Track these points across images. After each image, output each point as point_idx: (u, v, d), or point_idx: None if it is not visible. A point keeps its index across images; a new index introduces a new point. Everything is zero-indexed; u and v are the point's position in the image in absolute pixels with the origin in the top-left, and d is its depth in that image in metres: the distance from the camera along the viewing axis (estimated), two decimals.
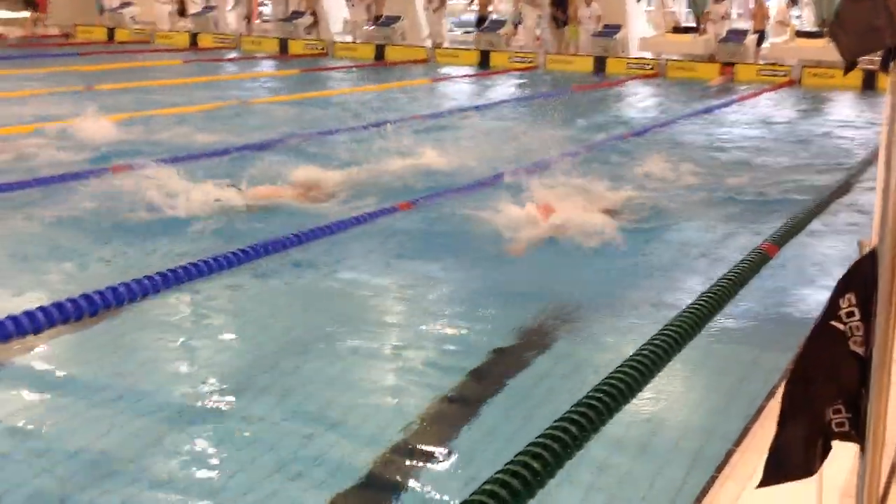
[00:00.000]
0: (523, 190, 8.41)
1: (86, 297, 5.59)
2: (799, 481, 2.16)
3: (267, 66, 23.79)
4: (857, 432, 2.12)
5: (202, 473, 3.99)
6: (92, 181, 8.73)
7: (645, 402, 4.67)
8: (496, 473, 3.52)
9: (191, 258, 6.55)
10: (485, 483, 3.46)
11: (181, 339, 5.58)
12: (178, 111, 14.15)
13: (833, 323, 2.08)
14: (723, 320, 5.90)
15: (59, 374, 5.10)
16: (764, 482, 2.18)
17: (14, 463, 4.04)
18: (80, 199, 8.17)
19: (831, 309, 2.08)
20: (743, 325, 6.02)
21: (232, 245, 6.94)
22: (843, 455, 2.23)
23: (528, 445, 3.73)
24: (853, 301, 2.07)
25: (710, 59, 23.90)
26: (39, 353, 5.29)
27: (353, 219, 7.99)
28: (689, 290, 6.41)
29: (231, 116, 14.13)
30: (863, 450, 2.10)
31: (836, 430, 2.14)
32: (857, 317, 2.07)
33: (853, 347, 2.08)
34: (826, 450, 2.14)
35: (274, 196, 8.72)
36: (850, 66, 1.97)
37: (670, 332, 5.18)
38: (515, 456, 3.65)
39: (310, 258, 7.09)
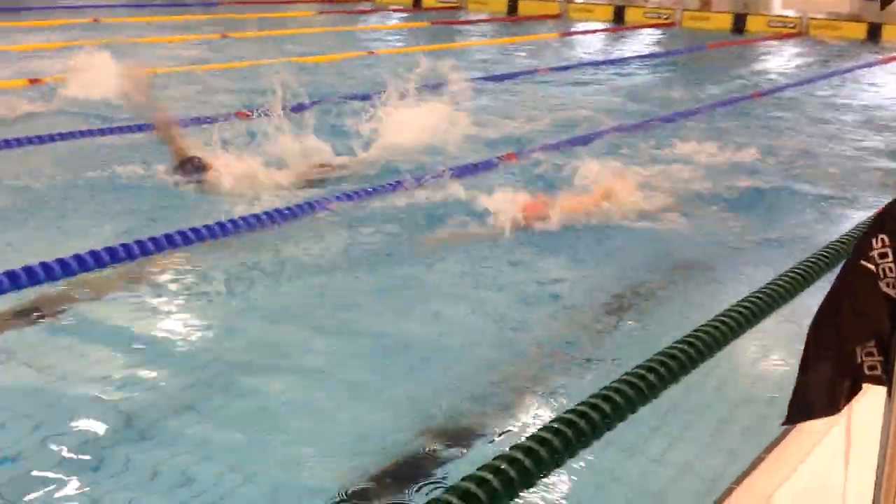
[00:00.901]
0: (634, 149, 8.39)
1: (233, 221, 6.39)
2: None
3: (398, 19, 23.95)
4: (888, 377, 2.09)
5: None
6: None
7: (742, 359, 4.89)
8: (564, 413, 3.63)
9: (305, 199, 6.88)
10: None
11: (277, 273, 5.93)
12: (308, 60, 14.45)
13: (864, 262, 2.04)
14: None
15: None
16: (788, 420, 2.18)
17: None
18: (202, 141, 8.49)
19: (862, 248, 2.04)
20: None
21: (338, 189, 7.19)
22: (872, 398, 2.20)
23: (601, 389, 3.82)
24: (886, 242, 2.02)
25: (856, 18, 22.85)
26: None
27: (460, 168, 8.05)
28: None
29: (359, 67, 14.34)
30: (890, 393, 2.07)
31: (867, 372, 2.11)
32: (891, 258, 2.03)
33: (885, 289, 2.04)
34: (854, 390, 2.12)
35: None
36: (885, 2, 1.94)
37: (758, 297, 5.04)
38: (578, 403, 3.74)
39: (416, 203, 7.25)
